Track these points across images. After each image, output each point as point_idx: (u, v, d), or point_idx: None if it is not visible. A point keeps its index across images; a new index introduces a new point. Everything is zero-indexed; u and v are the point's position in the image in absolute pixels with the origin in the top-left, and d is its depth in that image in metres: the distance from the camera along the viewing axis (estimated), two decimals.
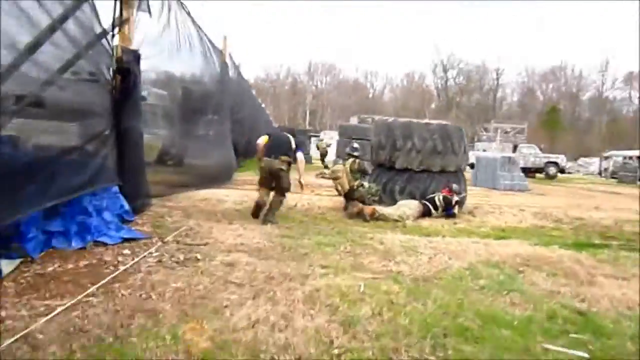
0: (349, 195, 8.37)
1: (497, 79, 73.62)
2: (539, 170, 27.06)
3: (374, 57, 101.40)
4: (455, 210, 8.33)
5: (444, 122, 9.10)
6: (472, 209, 9.48)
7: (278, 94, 77.57)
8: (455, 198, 8.40)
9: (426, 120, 9.33)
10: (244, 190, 10.34)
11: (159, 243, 5.15)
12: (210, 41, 11.37)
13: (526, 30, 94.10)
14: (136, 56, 6.49)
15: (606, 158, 40.04)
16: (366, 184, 8.46)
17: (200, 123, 11.30)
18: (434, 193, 8.61)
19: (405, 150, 8.82)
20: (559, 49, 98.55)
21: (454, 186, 8.55)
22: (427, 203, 8.16)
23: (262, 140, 7.66)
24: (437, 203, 8.21)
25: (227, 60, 15.14)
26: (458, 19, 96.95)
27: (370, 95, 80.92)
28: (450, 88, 75.99)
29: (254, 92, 27.48)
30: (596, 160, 48.24)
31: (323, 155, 22.20)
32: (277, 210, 7.23)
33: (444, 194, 8.39)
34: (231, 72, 16.58)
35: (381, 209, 7.78)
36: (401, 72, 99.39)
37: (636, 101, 72.30)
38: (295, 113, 76.69)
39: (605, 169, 38.39)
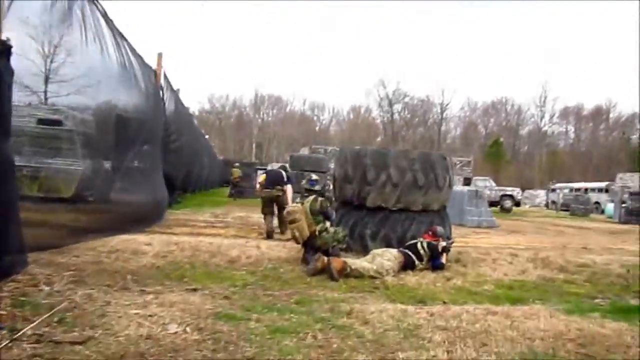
0: (309, 243, 6.38)
1: (442, 112, 74.05)
2: (494, 203, 25.90)
3: (320, 90, 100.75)
4: (444, 259, 6.44)
5: (425, 151, 7.25)
6: (457, 254, 7.64)
7: (224, 127, 75.29)
8: (442, 244, 6.52)
9: (403, 148, 7.45)
10: (173, 234, 8.15)
11: (3, 342, 2.97)
12: (137, 55, 9.28)
13: (469, 65, 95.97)
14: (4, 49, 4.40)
15: (553, 190, 39.81)
16: (330, 227, 6.49)
17: (127, 153, 9.12)
18: (414, 238, 6.72)
19: (379, 184, 6.92)
20: (500, 84, 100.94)
21: (439, 229, 6.68)
22: (409, 252, 6.24)
23: (261, 178, 10.05)
24: (421, 252, 6.30)
25: (162, 81, 13.02)
26: (404, 53, 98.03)
27: (317, 128, 79.74)
28: (395, 122, 75.85)
29: (195, 121, 25.22)
30: (541, 192, 48.33)
31: None
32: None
33: (428, 239, 6.51)
34: (167, 96, 14.46)
35: (352, 262, 5.80)
36: (348, 105, 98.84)
37: (572, 135, 74.29)
38: (241, 146, 74.53)
39: (553, 202, 38.04)
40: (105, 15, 6.95)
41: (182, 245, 6.91)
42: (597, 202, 32.83)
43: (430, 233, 6.61)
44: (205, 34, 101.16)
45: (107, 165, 8.37)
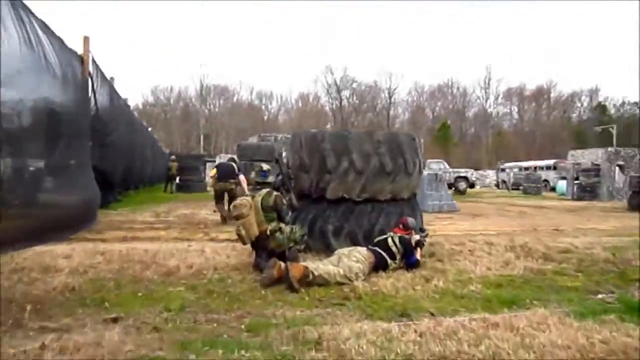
0: (261, 245, 5.35)
1: (390, 97, 73.91)
2: (449, 186, 25.45)
3: (268, 79, 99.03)
4: (418, 255, 5.53)
5: (392, 132, 6.31)
6: (429, 247, 6.75)
7: (169, 119, 72.72)
8: (415, 237, 5.61)
9: (367, 130, 6.45)
10: (102, 241, 6.94)
11: None
12: (52, 36, 7.92)
13: (415, 48, 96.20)
14: None
15: (502, 170, 40.04)
16: (285, 227, 5.48)
17: (45, 148, 7.78)
18: (383, 233, 5.78)
19: (341, 172, 5.93)
20: (446, 67, 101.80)
21: (410, 221, 5.75)
22: (379, 250, 5.29)
23: (213, 172, 10.40)
24: (393, 248, 5.36)
25: (91, 68, 11.61)
26: (350, 38, 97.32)
27: (266, 118, 78.20)
28: (344, 108, 75.21)
29: (135, 113, 23.56)
30: (490, 172, 48.76)
31: None
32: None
33: (399, 233, 5.58)
34: (97, 84, 13.02)
35: (315, 267, 4.80)
36: (296, 93, 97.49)
37: (516, 115, 75.64)
38: (188, 138, 72.24)
39: (503, 181, 38.23)
40: None
41: (109, 256, 5.75)
42: (545, 180, 33.08)
43: (400, 226, 5.67)
44: (145, 23, 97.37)
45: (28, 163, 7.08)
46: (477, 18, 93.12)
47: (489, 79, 71.50)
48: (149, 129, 31.59)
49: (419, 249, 5.53)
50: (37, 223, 6.87)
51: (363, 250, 5.21)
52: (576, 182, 22.70)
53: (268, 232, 5.31)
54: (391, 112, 75.12)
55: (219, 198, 10.02)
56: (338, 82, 73.60)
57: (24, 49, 6.38)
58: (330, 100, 75.96)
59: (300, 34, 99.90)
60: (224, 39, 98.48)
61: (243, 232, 5.25)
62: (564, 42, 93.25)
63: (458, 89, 74.62)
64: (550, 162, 36.33)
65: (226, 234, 8.18)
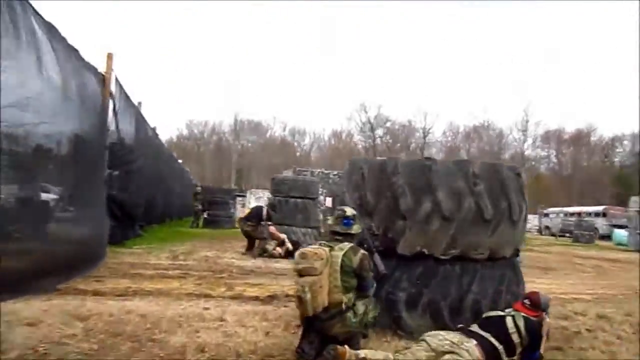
0: (318, 326, 3.57)
1: (425, 137, 72.07)
2: None
3: (301, 115, 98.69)
4: (542, 349, 3.66)
5: (491, 162, 4.49)
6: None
7: (202, 153, 72.28)
8: (547, 321, 3.77)
9: (458, 160, 4.64)
10: (96, 294, 5.24)
11: None
12: (68, 47, 6.52)
13: (451, 88, 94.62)
14: None
15: (545, 215, 37.60)
16: (359, 303, 3.64)
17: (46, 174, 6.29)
18: (478, 305, 3.96)
19: (420, 217, 4.13)
20: (482, 109, 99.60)
21: (543, 297, 3.86)
22: (490, 339, 3.45)
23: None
24: (514, 337, 3.52)
25: (113, 87, 10.21)
26: (385, 77, 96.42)
27: (298, 154, 77.10)
28: (377, 146, 73.60)
29: (164, 142, 22.32)
30: (530, 217, 46.10)
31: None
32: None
33: (524, 312, 3.72)
34: (119, 107, 11.63)
35: None
36: (329, 130, 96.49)
37: (554, 159, 72.81)
38: (220, 172, 71.50)
39: (547, 227, 35.77)
40: None
41: (93, 323, 4.05)
42: (595, 228, 30.51)
43: (527, 302, 3.80)
44: (183, 58, 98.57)
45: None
46: (514, 59, 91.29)
47: (527, 121, 68.99)
48: (180, 161, 30.39)
49: (543, 338, 3.66)
50: (26, 264, 5.31)
51: (462, 337, 3.37)
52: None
53: (343, 307, 3.53)
54: (425, 152, 73.17)
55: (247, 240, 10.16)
56: (372, 120, 72.25)
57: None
58: (364, 138, 74.54)
59: (335, 71, 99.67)
60: (259, 74, 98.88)
61: (308, 297, 3.44)
62: (605, 86, 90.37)
63: (494, 130, 72.35)
64: (599, 208, 33.73)
65: (255, 288, 6.42)
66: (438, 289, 4.17)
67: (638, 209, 21.12)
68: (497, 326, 3.59)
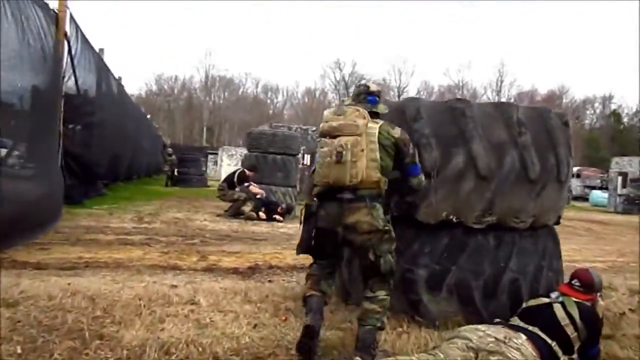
0: (349, 201, 2.72)
1: (399, 96, 70.98)
2: None
3: (274, 72, 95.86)
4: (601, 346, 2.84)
5: (538, 108, 3.52)
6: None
7: (172, 109, 69.82)
8: (601, 304, 2.94)
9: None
10: (34, 271, 4.21)
11: None
12: None
13: (427, 47, 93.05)
14: None
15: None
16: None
17: None
18: (516, 286, 3.12)
19: (450, 175, 3.20)
20: (457, 68, 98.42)
21: (595, 276, 3.01)
22: (540, 334, 2.60)
23: None
24: (568, 329, 2.68)
25: (68, 28, 8.94)
26: (359, 34, 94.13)
27: (271, 112, 75.29)
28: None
29: (130, 94, 20.82)
30: None
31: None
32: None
33: (575, 297, 2.87)
34: (76, 51, 10.32)
35: None
36: (302, 87, 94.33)
37: None
38: (191, 130, 69.44)
39: None
40: None
41: (22, 310, 3.07)
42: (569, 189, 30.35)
43: (575, 283, 2.95)
44: (151, 10, 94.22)
45: None
46: (489, 17, 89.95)
47: (501, 81, 68.54)
48: (148, 116, 28.84)
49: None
50: None
51: (519, 339, 2.50)
52: (622, 193, 19.92)
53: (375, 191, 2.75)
54: None
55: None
56: (346, 78, 70.73)
57: None
58: (338, 96, 73.08)
59: (309, 27, 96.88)
60: (231, 29, 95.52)
61: (348, 157, 2.63)
62: (579, 46, 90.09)
63: (469, 90, 71.74)
64: (573, 169, 33.57)
65: (231, 257, 5.48)
66: (468, 266, 3.28)
67: (618, 171, 20.73)
68: (544, 317, 2.73)
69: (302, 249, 2.87)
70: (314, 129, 16.54)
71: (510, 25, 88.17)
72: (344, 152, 2.59)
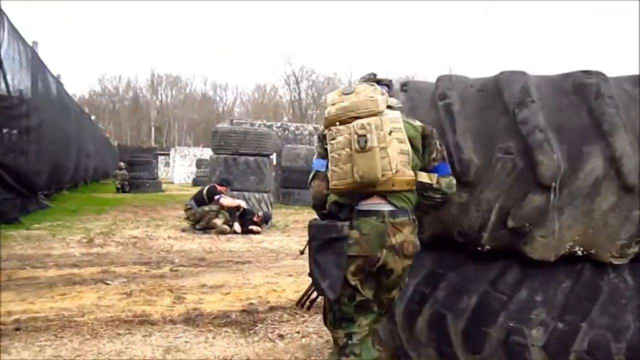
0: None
1: None
2: None
3: (222, 69, 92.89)
4: None
5: None
6: None
7: (118, 110, 66.71)
8: None
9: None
10: None
11: None
12: None
13: (376, 41, 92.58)
14: None
15: None
16: None
17: None
18: None
19: (583, 185, 2.07)
20: (408, 61, 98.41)
21: None
22: None
23: None
24: None
25: None
26: (309, 29, 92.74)
27: (221, 110, 73.22)
28: (303, 100, 71.19)
29: (69, 94, 18.92)
30: None
31: None
32: None
33: None
34: (2, 42, 8.81)
35: None
36: (252, 84, 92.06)
37: None
38: (138, 130, 66.67)
39: None
40: None
41: None
42: None
43: None
44: (90, 9, 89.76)
45: None
46: (440, 12, 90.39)
47: (450, 71, 69.03)
48: (92, 118, 26.76)
49: None
50: None
51: None
52: None
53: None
54: None
55: None
56: (297, 73, 69.47)
57: None
58: (289, 92, 71.77)
59: (257, 22, 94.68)
60: (177, 27, 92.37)
61: (375, 142, 1.86)
62: (527, 43, 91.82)
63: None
64: None
65: (216, 293, 4.20)
66: (604, 320, 2.17)
67: None
68: None
69: (331, 294, 1.91)
70: (279, 124, 15.30)
71: (463, 19, 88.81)
72: (368, 135, 1.84)
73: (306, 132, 14.89)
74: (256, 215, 7.79)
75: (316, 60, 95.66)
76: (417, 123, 2.09)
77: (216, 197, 7.60)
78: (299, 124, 15.91)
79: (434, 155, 2.05)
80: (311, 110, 70.50)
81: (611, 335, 2.16)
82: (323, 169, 2.02)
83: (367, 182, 1.86)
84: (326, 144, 1.99)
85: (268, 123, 14.36)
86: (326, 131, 2.00)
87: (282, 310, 3.78)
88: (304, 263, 5.56)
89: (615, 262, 2.18)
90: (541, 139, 2.08)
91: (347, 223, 1.91)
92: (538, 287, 2.23)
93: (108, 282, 4.47)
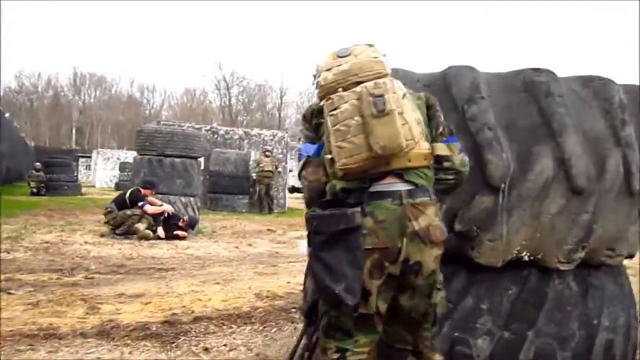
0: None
1: (281, 97, 70.23)
2: None
3: (150, 71, 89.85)
4: None
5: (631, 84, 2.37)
6: None
7: (36, 109, 62.99)
8: None
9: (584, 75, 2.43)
10: None
11: None
12: None
13: (308, 48, 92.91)
14: None
15: None
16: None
17: None
18: (609, 349, 1.99)
19: (532, 187, 1.97)
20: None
21: None
22: None
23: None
24: None
25: None
26: (241, 34, 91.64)
27: (148, 112, 70.88)
28: (233, 106, 70.29)
29: None
30: None
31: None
32: None
33: None
34: None
35: None
36: (181, 87, 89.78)
37: None
38: (58, 131, 63.24)
39: None
40: None
41: None
42: None
43: None
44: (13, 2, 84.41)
45: None
46: (373, 17, 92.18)
47: None
48: (7, 115, 24.96)
49: None
50: None
51: None
52: None
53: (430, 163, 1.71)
54: (282, 113, 71.58)
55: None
56: (227, 78, 68.50)
57: None
58: (219, 97, 70.63)
59: (188, 25, 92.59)
60: (104, 25, 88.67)
61: (393, 107, 1.54)
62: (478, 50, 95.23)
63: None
64: None
65: (135, 303, 3.84)
66: (550, 328, 2.08)
67: None
68: None
69: (350, 299, 1.51)
70: (208, 127, 14.82)
71: (391, 24, 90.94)
72: (386, 96, 1.52)
73: (236, 137, 14.50)
74: (181, 220, 7.39)
75: (247, 66, 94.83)
76: (422, 94, 1.81)
77: (140, 203, 7.13)
78: (228, 128, 15.46)
79: (440, 129, 1.75)
80: (242, 117, 69.76)
81: (557, 344, 2.08)
82: (315, 154, 1.70)
83: (388, 155, 1.55)
84: (317, 122, 1.70)
85: (197, 126, 13.86)
86: (322, 102, 1.64)
87: (207, 320, 3.48)
88: (231, 270, 5.30)
89: (562, 267, 2.09)
90: (490, 137, 1.97)
91: (358, 209, 1.55)
92: (484, 294, 2.11)
93: (11, 291, 3.99)
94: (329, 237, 1.53)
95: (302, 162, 1.75)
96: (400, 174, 1.61)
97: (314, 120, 1.74)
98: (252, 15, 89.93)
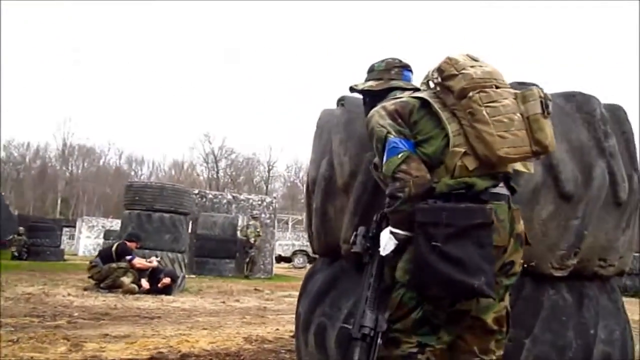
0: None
1: (269, 171, 70.86)
2: None
3: (139, 143, 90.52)
4: None
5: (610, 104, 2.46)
6: None
7: (22, 179, 62.77)
8: None
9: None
10: None
11: None
12: None
13: (294, 123, 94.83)
14: None
15: None
16: None
17: None
18: None
19: (522, 192, 2.02)
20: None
21: None
22: None
23: None
24: None
25: None
26: (230, 108, 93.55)
27: None
28: (221, 179, 70.64)
29: None
30: None
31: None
32: None
33: None
34: None
35: None
36: (169, 159, 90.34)
37: None
38: (43, 201, 62.72)
39: None
40: None
41: None
42: None
43: None
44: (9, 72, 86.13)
45: None
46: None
47: None
48: None
49: None
50: None
51: None
52: None
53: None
54: (270, 187, 71.97)
55: None
56: (216, 152, 69.24)
57: None
58: (207, 170, 71.06)
59: (177, 99, 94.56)
60: (94, 96, 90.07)
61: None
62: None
63: None
64: None
65: (120, 343, 3.71)
66: (547, 336, 2.06)
67: None
68: None
69: (493, 294, 1.61)
70: (197, 191, 14.83)
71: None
72: (549, 102, 1.70)
73: (224, 201, 14.51)
74: (163, 274, 7.22)
75: (236, 139, 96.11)
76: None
77: (128, 257, 7.02)
78: (217, 192, 15.52)
79: None
80: (229, 190, 69.91)
81: (554, 351, 2.06)
82: (413, 151, 1.71)
83: (540, 153, 1.66)
84: (415, 120, 1.75)
85: (186, 189, 13.88)
86: (473, 93, 1.68)
87: (195, 358, 3.37)
88: (219, 319, 5.15)
89: (556, 273, 2.11)
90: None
91: (491, 206, 1.61)
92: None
93: None
94: (458, 231, 1.55)
95: (401, 156, 1.70)
96: (505, 179, 1.73)
97: (411, 118, 1.77)
98: (242, 88, 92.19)
